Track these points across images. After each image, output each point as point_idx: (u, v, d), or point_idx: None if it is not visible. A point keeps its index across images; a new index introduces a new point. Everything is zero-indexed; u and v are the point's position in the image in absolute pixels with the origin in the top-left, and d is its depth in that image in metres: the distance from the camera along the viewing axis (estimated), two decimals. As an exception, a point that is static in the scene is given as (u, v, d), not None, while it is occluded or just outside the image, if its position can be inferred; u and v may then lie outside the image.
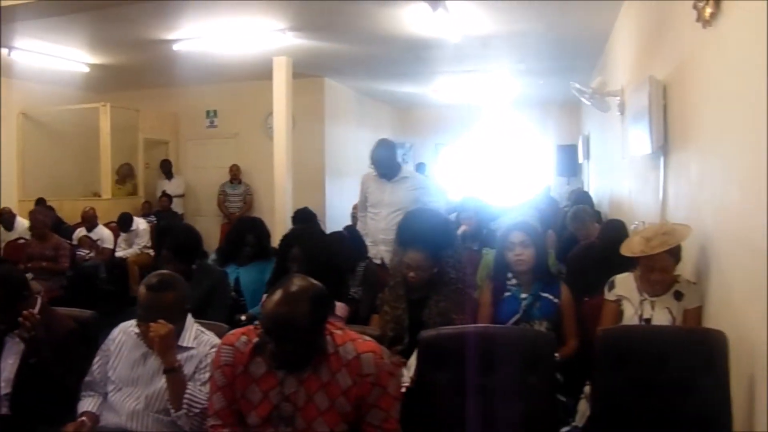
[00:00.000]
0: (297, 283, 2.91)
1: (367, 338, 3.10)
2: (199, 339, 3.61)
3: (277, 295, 2.86)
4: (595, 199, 11.09)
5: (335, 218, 12.26)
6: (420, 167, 18.56)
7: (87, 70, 12.28)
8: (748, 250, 3.22)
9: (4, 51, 10.60)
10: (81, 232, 10.92)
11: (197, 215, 14.09)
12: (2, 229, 11.19)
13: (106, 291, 9.91)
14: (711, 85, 3.98)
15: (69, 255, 9.38)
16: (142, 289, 3.52)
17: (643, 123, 5.26)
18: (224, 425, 3.05)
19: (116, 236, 11.25)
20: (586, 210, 7.23)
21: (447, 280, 4.50)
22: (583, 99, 7.98)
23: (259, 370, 3.00)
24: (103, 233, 10.90)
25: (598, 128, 11.09)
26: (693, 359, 3.39)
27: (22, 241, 10.25)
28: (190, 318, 3.70)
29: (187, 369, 3.49)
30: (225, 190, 14.15)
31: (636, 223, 5.41)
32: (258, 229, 6.15)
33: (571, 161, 15.80)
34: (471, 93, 15.21)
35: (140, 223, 11.57)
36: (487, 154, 18.92)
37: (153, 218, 12.71)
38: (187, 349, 3.56)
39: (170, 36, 9.99)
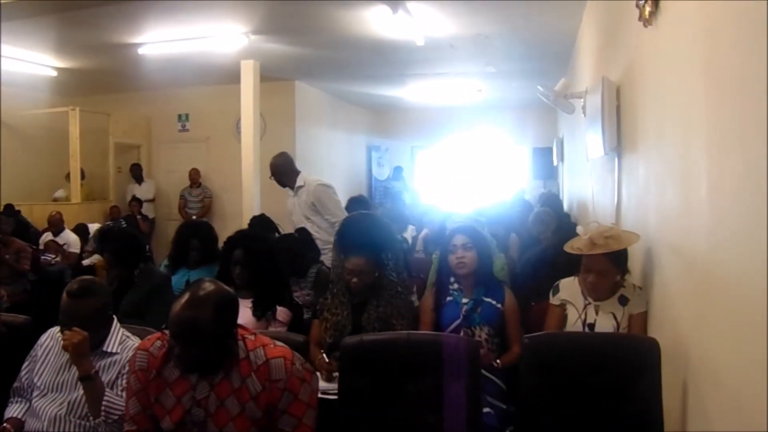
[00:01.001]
0: (204, 286, 2.87)
1: (279, 344, 3.07)
2: (124, 344, 3.57)
3: (184, 299, 2.82)
4: (567, 202, 11.06)
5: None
6: (397, 170, 18.59)
7: (54, 74, 12.23)
8: (681, 255, 3.19)
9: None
10: (47, 236, 10.85)
11: (169, 219, 14.02)
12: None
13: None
14: (652, 85, 3.95)
15: (30, 258, 9.28)
16: (63, 296, 3.48)
17: (597, 125, 5.22)
18: (138, 430, 3.02)
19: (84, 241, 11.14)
20: (547, 213, 7.20)
21: (387, 284, 4.48)
22: (547, 101, 7.94)
23: (172, 375, 2.97)
24: (69, 238, 10.83)
25: (569, 131, 11.08)
26: (624, 366, 3.33)
27: (-16, 245, 10.16)
28: (115, 323, 3.65)
29: (110, 374, 3.45)
30: (184, 195, 14.17)
31: (591, 223, 5.39)
32: (202, 233, 6.10)
33: (546, 164, 15.79)
34: (444, 95, 15.25)
35: (95, 229, 11.46)
36: (463, 157, 18.91)
37: (122, 222, 12.62)
38: (111, 354, 3.51)
39: (136, 39, 9.96)
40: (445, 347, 3.54)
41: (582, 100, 7.52)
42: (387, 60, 11.13)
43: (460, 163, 19.04)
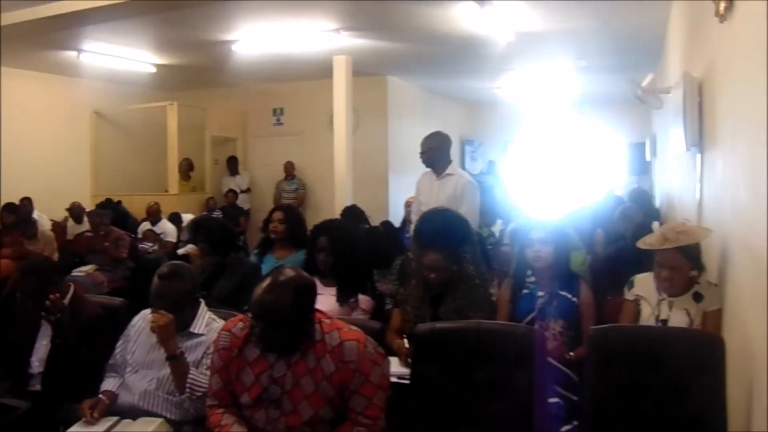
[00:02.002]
0: (285, 272, 3.07)
1: (354, 328, 3.24)
2: (210, 326, 3.80)
3: (265, 283, 3.03)
4: (659, 198, 10.96)
5: (399, 215, 12.34)
6: (490, 165, 18.55)
7: (154, 70, 12.65)
8: (751, 253, 3.19)
9: (74, 53, 10.95)
10: (145, 225, 11.23)
11: (262, 210, 14.25)
12: (73, 222, 11.58)
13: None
14: (728, 81, 3.96)
15: (128, 246, 9.62)
16: (154, 279, 3.75)
17: (679, 120, 5.22)
18: (220, 405, 3.25)
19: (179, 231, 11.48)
20: (633, 209, 7.19)
21: (465, 277, 4.56)
22: (635, 96, 7.90)
23: (253, 354, 3.17)
24: (166, 227, 11.20)
25: (662, 126, 10.96)
26: (687, 362, 3.38)
27: (89, 234, 10.56)
28: (202, 307, 3.90)
29: (196, 354, 3.69)
30: (279, 186, 14.44)
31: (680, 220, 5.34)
32: (289, 219, 6.20)
33: (641, 159, 15.58)
34: (537, 90, 15.17)
35: (190, 219, 11.79)
36: (557, 151, 18.78)
37: (219, 213, 12.96)
38: (197, 335, 3.76)
39: (230, 37, 10.24)
40: (513, 337, 3.65)
41: (671, 95, 7.50)
42: (477, 54, 11.14)
43: (553, 158, 18.89)
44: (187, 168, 14.29)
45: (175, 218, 11.69)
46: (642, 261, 4.41)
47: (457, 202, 6.73)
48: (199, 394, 3.50)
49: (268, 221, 6.16)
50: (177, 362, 3.55)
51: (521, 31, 9.41)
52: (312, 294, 3.15)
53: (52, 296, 4.05)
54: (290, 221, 6.08)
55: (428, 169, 7.13)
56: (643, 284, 4.23)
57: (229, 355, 3.22)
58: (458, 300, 4.42)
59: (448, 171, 7.00)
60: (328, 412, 3.11)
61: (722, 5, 3.81)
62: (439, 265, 4.48)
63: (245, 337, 3.19)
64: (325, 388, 3.08)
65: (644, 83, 7.38)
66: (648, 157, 14.11)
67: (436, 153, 7.00)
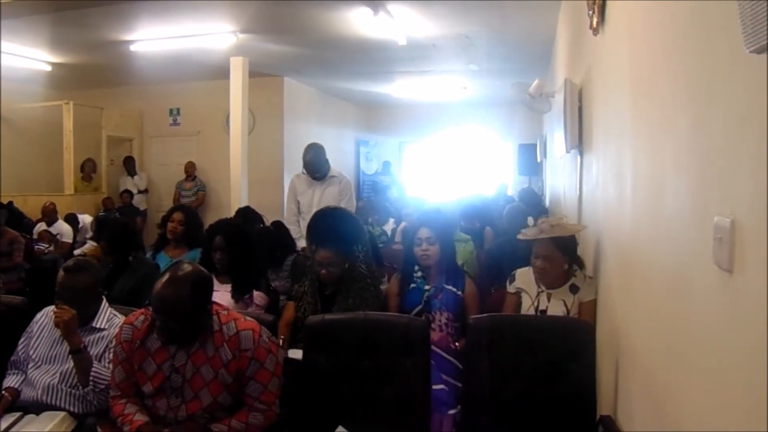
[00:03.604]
0: (183, 268, 3.24)
1: (249, 318, 3.44)
2: (111, 321, 3.91)
3: (164, 278, 3.19)
4: (549, 197, 11.32)
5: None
6: (385, 165, 18.77)
7: (49, 68, 12.47)
8: (616, 248, 3.47)
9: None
10: (41, 226, 11.08)
11: (160, 210, 14.21)
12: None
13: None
14: (600, 90, 4.24)
15: (23, 249, 9.55)
16: (60, 272, 3.87)
17: (561, 124, 5.50)
18: (123, 396, 3.38)
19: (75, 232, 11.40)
20: (518, 208, 7.46)
21: (357, 276, 4.73)
22: (521, 101, 8.18)
23: (154, 345, 3.32)
24: (62, 228, 11.06)
25: (551, 128, 11.30)
26: (560, 347, 3.63)
27: (-20, 235, 10.43)
28: (105, 302, 4.02)
29: (99, 348, 3.79)
30: (179, 187, 14.41)
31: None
32: (188, 220, 6.30)
33: (531, 160, 15.98)
34: (431, 92, 15.43)
35: (86, 219, 11.78)
36: (450, 152, 19.11)
37: (115, 213, 12.91)
38: (99, 330, 3.87)
39: (128, 37, 10.22)
40: (398, 327, 3.86)
41: (554, 99, 7.82)
42: (372, 58, 11.37)
43: (447, 159, 19.21)
44: (90, 169, 14.14)
45: (71, 219, 11.59)
46: (523, 256, 4.65)
47: (339, 201, 7.24)
48: (102, 386, 3.60)
49: (166, 220, 6.29)
50: (80, 356, 3.65)
51: (414, 36, 9.66)
52: (209, 287, 3.34)
53: (-49, 296, 4.12)
54: (189, 222, 6.24)
55: (302, 173, 7.61)
56: (524, 278, 4.46)
57: (131, 347, 3.35)
58: (350, 299, 4.57)
59: (330, 174, 7.51)
60: (226, 399, 3.29)
61: (595, 20, 4.10)
62: (330, 261, 4.63)
63: (146, 329, 3.34)
64: (224, 375, 3.25)
65: (531, 87, 7.63)
66: (539, 158, 14.52)
67: (320, 161, 7.47)
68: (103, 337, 3.84)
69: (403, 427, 3.64)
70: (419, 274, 4.81)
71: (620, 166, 3.31)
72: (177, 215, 6.24)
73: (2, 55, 10.86)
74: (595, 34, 4.19)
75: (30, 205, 12.39)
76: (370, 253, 5.08)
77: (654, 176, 2.52)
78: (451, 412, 4.27)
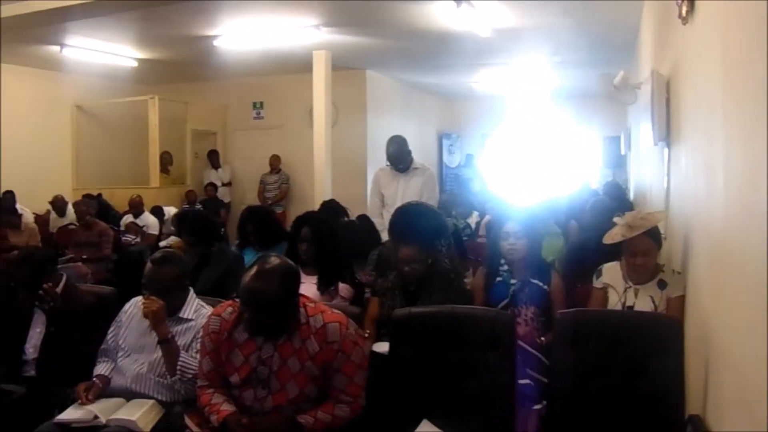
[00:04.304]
0: (270, 260, 3.26)
1: (336, 311, 3.45)
2: (198, 312, 4.00)
3: (253, 271, 3.22)
4: (633, 190, 11.15)
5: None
6: (468, 158, 18.68)
7: (135, 64, 12.76)
8: (708, 243, 3.36)
9: (57, 48, 11.07)
10: (128, 218, 11.34)
11: (243, 203, 14.32)
12: (56, 215, 11.70)
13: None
14: (689, 80, 4.14)
15: (112, 241, 9.75)
16: (148, 264, 3.96)
17: (648, 116, 5.40)
18: (210, 386, 3.45)
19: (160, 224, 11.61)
20: (603, 201, 7.36)
21: (441, 271, 4.70)
22: (610, 93, 8.06)
23: (242, 337, 3.37)
24: (148, 220, 11.30)
25: (636, 120, 11.12)
26: (648, 343, 3.57)
27: (72, 226, 10.70)
28: (192, 293, 4.10)
29: (186, 338, 3.88)
30: (263, 180, 14.50)
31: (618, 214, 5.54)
32: (256, 219, 6.36)
33: (615, 153, 15.75)
34: (514, 84, 15.32)
35: (172, 211, 11.96)
36: (534, 145, 18.90)
37: (200, 206, 13.10)
38: (186, 320, 3.96)
39: (211, 32, 10.36)
40: (485, 321, 3.84)
41: (641, 90, 7.67)
42: (454, 50, 11.30)
43: (530, 151, 19.00)
44: (167, 161, 14.39)
45: (157, 211, 11.80)
46: (607, 251, 4.60)
47: (422, 192, 7.26)
48: (190, 376, 3.68)
49: (240, 224, 6.43)
50: (168, 346, 3.74)
51: (497, 27, 9.59)
52: (296, 280, 3.36)
53: (45, 285, 4.22)
54: (259, 223, 6.35)
55: (385, 166, 7.63)
56: (610, 273, 4.41)
57: (219, 338, 3.40)
58: (434, 296, 4.53)
59: (414, 165, 7.54)
60: (313, 391, 3.32)
61: (684, 8, 4.01)
62: (413, 258, 4.61)
63: (234, 320, 3.38)
64: (310, 367, 3.28)
65: (616, 79, 7.50)
66: (623, 151, 14.30)
67: (400, 153, 7.51)
68: (190, 327, 3.91)
69: (488, 422, 3.61)
70: (505, 267, 4.77)
71: (711, 159, 3.22)
72: (246, 220, 6.40)
73: (91, 52, 11.12)
74: (684, 23, 4.09)
75: (116, 198, 12.70)
76: (453, 247, 5.05)
77: (749, 169, 2.44)
78: (536, 407, 4.23)
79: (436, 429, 3.52)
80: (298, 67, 12.13)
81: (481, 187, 14.92)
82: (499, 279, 4.75)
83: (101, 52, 11.66)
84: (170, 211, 12.02)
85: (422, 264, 4.63)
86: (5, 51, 11.26)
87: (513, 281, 4.69)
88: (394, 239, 5.01)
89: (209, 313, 3.75)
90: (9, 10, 8.46)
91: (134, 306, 4.10)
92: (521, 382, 4.14)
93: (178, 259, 4.10)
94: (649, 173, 7.64)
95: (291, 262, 3.40)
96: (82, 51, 11.48)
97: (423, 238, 4.70)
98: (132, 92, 14.52)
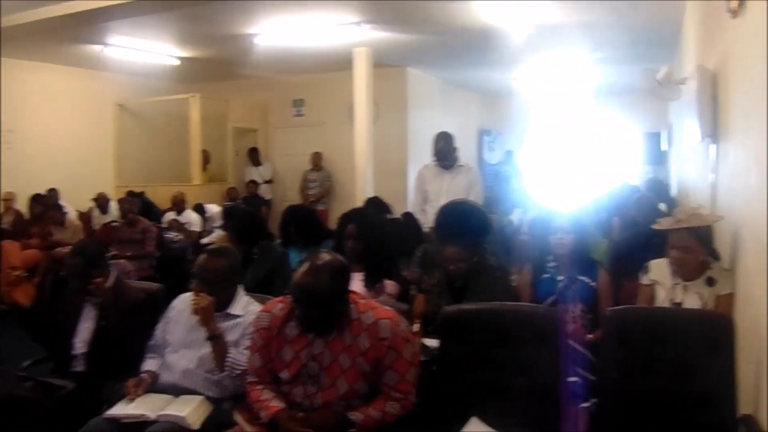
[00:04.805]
0: (321, 257, 3.29)
1: (387, 308, 3.45)
2: (247, 309, 4.01)
3: (304, 267, 3.25)
4: (675, 187, 11.06)
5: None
6: (507, 155, 18.60)
7: (177, 63, 12.86)
8: (760, 240, 3.32)
9: (99, 47, 11.18)
10: (170, 215, 11.42)
11: (284, 200, 14.38)
12: (98, 212, 11.82)
13: (192, 271, 10.12)
14: (740, 75, 4.09)
15: (155, 238, 9.83)
16: (201, 255, 4.02)
17: (694, 112, 5.35)
18: (260, 382, 3.46)
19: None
20: (648, 197, 7.30)
21: (487, 269, 4.69)
22: (654, 89, 7.98)
23: (292, 332, 3.39)
24: (190, 217, 11.38)
25: (677, 116, 11.02)
26: (698, 341, 3.52)
27: (115, 224, 10.79)
28: (240, 289, 4.12)
29: (235, 335, 3.89)
30: (306, 177, 14.53)
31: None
32: (298, 219, 6.41)
33: (657, 149, 15.60)
34: (554, 80, 15.23)
35: (213, 209, 12.04)
36: (574, 141, 18.80)
37: (241, 203, 13.17)
38: (235, 316, 3.97)
39: (251, 30, 10.42)
40: (534, 318, 3.83)
41: (685, 86, 7.59)
42: (496, 46, 11.22)
43: (570, 148, 18.89)
44: (205, 160, 14.48)
45: (198, 208, 11.88)
46: (656, 247, 4.55)
47: (468, 191, 7.27)
48: (238, 371, 3.70)
49: (282, 224, 6.47)
50: (217, 342, 3.76)
51: (539, 23, 9.55)
52: (347, 276, 3.37)
53: (97, 279, 4.26)
54: (300, 222, 6.40)
55: (430, 163, 7.66)
56: (658, 269, 4.35)
57: (269, 334, 3.42)
58: (480, 294, 4.49)
59: (459, 163, 7.61)
60: (363, 387, 3.32)
61: (734, 2, 3.97)
62: (457, 257, 4.59)
63: (284, 317, 3.41)
64: (361, 363, 3.28)
65: (659, 75, 7.43)
66: (664, 147, 14.18)
67: (447, 150, 7.57)
68: (238, 323, 3.93)
69: (537, 419, 3.59)
70: (552, 264, 4.75)
71: (763, 155, 3.18)
72: (288, 220, 6.44)
73: (132, 51, 11.22)
74: (734, 17, 4.05)
75: (158, 195, 12.82)
76: (500, 245, 5.02)
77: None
78: (584, 405, 4.20)
79: (485, 427, 3.50)
80: (339, 64, 12.15)
81: (522, 185, 14.86)
82: (545, 276, 4.74)
83: (143, 51, 11.77)
84: (212, 208, 12.10)
85: (467, 262, 4.60)
86: (49, 51, 11.44)
87: (560, 278, 4.67)
88: (440, 238, 4.98)
89: (258, 309, 3.78)
90: (53, 11, 8.57)
91: (182, 302, 4.13)
92: (569, 379, 4.12)
93: (230, 253, 4.13)
94: (692, 170, 7.57)
95: (342, 258, 3.41)
96: (124, 50, 11.58)
97: (468, 237, 4.67)
98: (173, 91, 14.65)
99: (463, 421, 3.54)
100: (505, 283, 4.79)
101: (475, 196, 7.29)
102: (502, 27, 9.78)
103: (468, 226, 4.79)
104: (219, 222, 11.63)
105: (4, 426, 4.10)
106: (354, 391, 3.30)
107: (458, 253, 4.60)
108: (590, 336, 4.44)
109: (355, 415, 3.26)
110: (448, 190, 7.31)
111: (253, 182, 14.38)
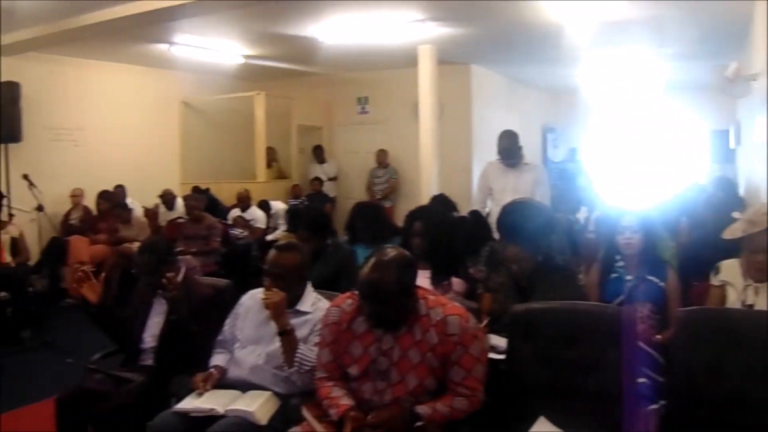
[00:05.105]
0: (387, 252, 3.31)
1: (456, 304, 3.46)
2: (316, 305, 4.04)
3: (370, 263, 3.27)
4: (745, 187, 10.90)
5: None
6: (571, 152, 18.45)
7: (243, 61, 12.95)
8: None
9: (165, 46, 11.34)
10: (236, 212, 11.55)
11: (348, 198, 14.43)
12: (164, 209, 11.99)
13: (257, 267, 10.24)
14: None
15: (220, 235, 9.94)
16: (271, 251, 4.06)
17: (764, 108, 5.27)
18: (329, 378, 3.48)
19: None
20: (718, 197, 7.21)
21: (553, 268, 4.57)
22: (723, 85, 7.88)
23: (361, 328, 3.41)
24: (256, 214, 11.51)
25: (747, 113, 10.85)
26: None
27: (181, 220, 10.95)
28: (309, 286, 4.14)
29: (304, 331, 3.91)
30: (372, 174, 14.59)
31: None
32: (366, 215, 6.43)
33: (725, 147, 15.34)
34: (619, 76, 15.03)
35: (278, 206, 12.14)
36: (640, 138, 18.55)
37: (305, 200, 13.26)
38: (304, 313, 4.00)
39: (316, 28, 10.43)
40: (604, 317, 3.78)
41: (756, 82, 7.47)
42: (560, 42, 11.10)
43: (636, 145, 18.65)
44: (271, 157, 14.60)
45: (263, 205, 11.98)
46: (726, 248, 4.46)
47: (535, 189, 7.34)
48: (307, 368, 3.71)
49: (350, 219, 6.51)
50: (287, 338, 3.77)
51: (605, 20, 9.45)
52: (413, 270, 3.38)
53: (167, 275, 4.32)
54: (367, 218, 6.41)
55: (495, 160, 7.72)
56: (729, 270, 4.28)
57: (339, 329, 3.46)
58: (547, 294, 4.36)
59: (524, 161, 7.65)
60: (432, 383, 3.32)
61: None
62: (519, 257, 4.52)
63: (354, 312, 3.43)
64: (430, 359, 3.28)
65: (729, 71, 7.33)
66: (732, 145, 13.95)
67: (512, 148, 7.63)
68: (307, 320, 3.95)
69: (605, 420, 3.55)
70: (620, 263, 4.70)
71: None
72: (356, 216, 6.47)
73: (198, 49, 11.35)
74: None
75: (223, 192, 12.95)
76: (565, 243, 4.96)
77: None
78: (653, 407, 4.14)
79: (553, 427, 3.48)
80: (403, 61, 12.18)
81: (586, 182, 14.70)
82: (614, 275, 4.70)
83: (208, 49, 11.87)
84: (276, 205, 12.20)
85: (531, 261, 4.53)
86: (116, 51, 11.64)
87: (628, 278, 4.62)
88: (502, 237, 4.95)
89: (326, 306, 3.81)
90: (120, 11, 8.68)
91: (251, 298, 4.18)
92: (638, 381, 4.07)
93: (301, 248, 4.18)
94: (762, 168, 7.43)
95: (407, 252, 3.44)
96: (189, 49, 11.69)
97: (530, 236, 4.57)
98: (237, 88, 14.79)
99: (531, 420, 3.52)
100: (573, 282, 4.71)
101: (542, 194, 7.28)
102: (567, 23, 9.69)
103: (529, 225, 4.69)
104: (283, 219, 11.72)
105: (75, 417, 4.19)
106: (423, 386, 3.30)
107: (520, 253, 4.53)
108: (658, 337, 4.37)
109: (423, 409, 3.25)
110: (513, 188, 7.31)
111: (318, 180, 14.44)
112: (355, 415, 3.25)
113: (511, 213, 5.03)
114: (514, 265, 4.56)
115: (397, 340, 3.33)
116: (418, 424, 3.24)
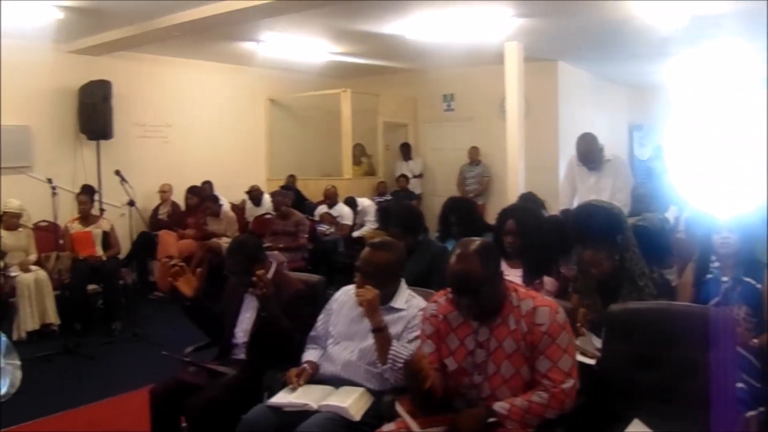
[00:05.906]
0: (467, 243, 3.34)
1: (547, 297, 3.49)
2: (409, 302, 4.04)
3: (454, 256, 3.30)
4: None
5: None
6: (656, 150, 18.14)
7: (329, 58, 13.05)
8: None
9: (253, 44, 11.48)
10: (323, 208, 11.66)
11: (434, 195, 14.47)
12: (251, 204, 12.15)
13: (343, 263, 10.40)
14: None
15: (308, 231, 10.03)
16: (365, 248, 4.08)
17: None
18: (433, 367, 3.44)
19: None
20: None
21: (635, 268, 4.45)
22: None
23: (457, 320, 3.44)
24: (342, 210, 11.60)
25: None
26: None
27: (268, 216, 11.09)
28: (403, 283, 4.15)
29: (397, 328, 3.92)
30: (463, 172, 14.50)
31: None
32: (459, 209, 6.46)
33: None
34: (707, 73, 14.77)
35: (365, 202, 12.21)
36: (732, 135, 18.11)
37: (389, 197, 13.30)
38: (398, 310, 4.00)
39: (403, 25, 10.42)
40: (701, 319, 3.69)
41: None
42: (649, 39, 10.95)
43: (728, 142, 18.23)
44: (359, 153, 14.68)
45: (350, 201, 12.04)
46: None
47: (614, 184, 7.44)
48: (400, 364, 3.70)
49: (442, 214, 6.52)
50: (381, 334, 3.78)
51: (694, 14, 9.27)
52: (496, 256, 3.42)
53: (258, 272, 4.36)
54: (458, 213, 6.44)
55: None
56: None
57: (437, 321, 3.50)
58: (635, 293, 4.33)
59: (605, 159, 7.72)
60: (527, 373, 3.30)
61: None
62: (594, 260, 4.46)
63: (449, 306, 3.46)
64: (523, 347, 3.28)
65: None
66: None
67: (590, 152, 7.67)
68: (401, 317, 3.96)
69: (701, 424, 3.46)
70: (716, 264, 4.60)
71: None
72: (449, 210, 6.50)
73: (285, 47, 11.45)
74: None
75: (310, 189, 13.09)
76: (633, 241, 4.79)
77: None
78: (751, 413, 4.04)
79: (647, 429, 3.43)
80: (488, 58, 12.14)
81: (671, 181, 14.43)
82: (709, 276, 4.59)
83: (295, 47, 11.95)
84: (363, 202, 12.27)
85: (607, 262, 4.44)
86: (204, 49, 11.83)
87: (724, 279, 4.50)
88: (577, 241, 4.88)
89: (419, 303, 3.87)
90: (207, 11, 8.80)
91: (344, 294, 4.23)
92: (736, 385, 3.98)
93: (395, 247, 4.17)
94: None
95: (488, 241, 3.52)
96: (276, 46, 11.78)
97: (597, 241, 4.49)
98: (323, 85, 14.94)
99: (626, 422, 3.48)
100: (656, 282, 4.64)
101: (622, 184, 7.36)
102: (655, 19, 9.53)
103: (594, 228, 4.61)
104: (370, 215, 11.78)
105: (168, 408, 4.31)
106: (519, 376, 3.30)
107: (592, 256, 4.47)
108: (755, 341, 4.28)
109: (500, 405, 3.24)
110: (595, 188, 7.28)
111: (404, 177, 14.51)
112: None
113: (577, 217, 4.99)
114: (593, 268, 4.50)
115: (492, 332, 3.33)
116: (491, 420, 3.23)
